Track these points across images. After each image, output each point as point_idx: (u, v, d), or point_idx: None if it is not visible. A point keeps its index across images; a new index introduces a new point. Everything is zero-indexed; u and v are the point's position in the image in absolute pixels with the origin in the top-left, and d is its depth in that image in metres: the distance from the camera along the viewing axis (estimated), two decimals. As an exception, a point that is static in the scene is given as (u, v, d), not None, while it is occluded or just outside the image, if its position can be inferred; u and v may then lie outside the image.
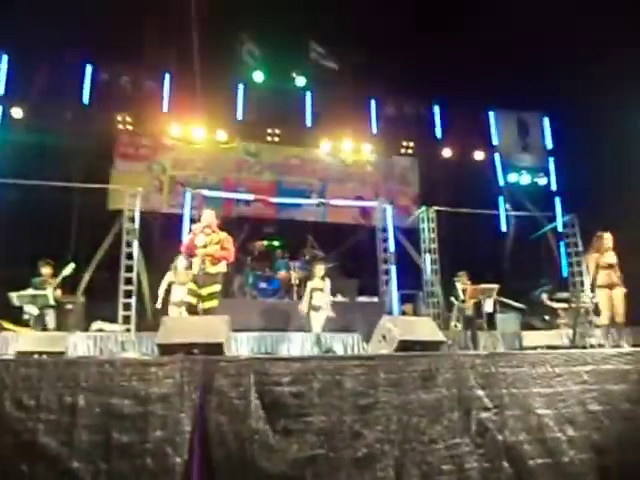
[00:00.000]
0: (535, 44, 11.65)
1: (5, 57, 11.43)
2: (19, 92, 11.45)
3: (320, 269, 8.18)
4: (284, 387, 3.44)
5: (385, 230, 10.55)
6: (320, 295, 7.96)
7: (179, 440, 3.19)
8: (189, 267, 6.52)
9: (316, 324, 7.90)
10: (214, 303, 5.82)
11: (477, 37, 12.13)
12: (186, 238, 6.06)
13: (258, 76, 12.98)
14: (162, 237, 11.38)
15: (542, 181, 14.08)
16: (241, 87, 13.07)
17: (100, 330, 8.75)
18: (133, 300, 8.44)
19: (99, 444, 3.13)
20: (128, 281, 8.53)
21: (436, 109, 14.13)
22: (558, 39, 11.26)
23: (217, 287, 5.89)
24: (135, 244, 8.74)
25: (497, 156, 14.24)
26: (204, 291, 5.80)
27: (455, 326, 8.96)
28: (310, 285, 8.07)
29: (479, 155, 14.16)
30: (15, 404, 3.14)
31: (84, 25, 10.36)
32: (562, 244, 12.02)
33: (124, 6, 10.92)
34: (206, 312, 5.74)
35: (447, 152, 14.02)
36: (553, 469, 3.78)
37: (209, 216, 6.09)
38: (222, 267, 5.97)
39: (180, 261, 8.10)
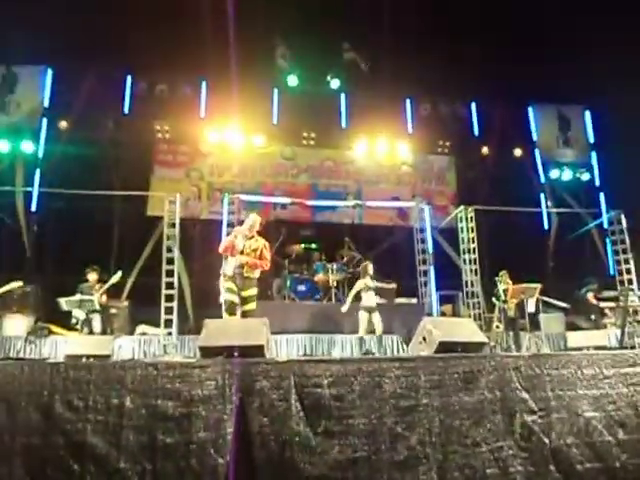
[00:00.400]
0: (574, 35, 11.34)
1: (50, 71, 11.88)
2: (63, 105, 11.89)
3: (372, 268, 8.17)
4: (324, 389, 3.44)
5: (423, 230, 10.44)
6: (372, 295, 7.94)
7: (221, 442, 3.24)
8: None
9: (364, 325, 7.87)
10: (252, 306, 5.87)
11: (512, 30, 11.89)
12: (226, 239, 6.06)
13: (292, 80, 13.07)
14: (202, 243, 11.57)
15: (585, 176, 13.65)
16: (276, 91, 13.20)
17: (143, 334, 8.97)
18: (175, 304, 8.63)
19: (145, 445, 3.20)
20: (169, 286, 8.73)
21: (473, 106, 13.90)
22: (599, 28, 10.92)
23: (254, 290, 5.94)
24: (176, 250, 8.93)
25: (537, 152, 13.88)
26: (243, 294, 5.86)
27: (497, 327, 8.78)
28: (362, 284, 8.05)
29: (518, 152, 13.85)
30: (66, 405, 3.26)
31: (122, 37, 10.66)
32: (608, 241, 11.63)
33: (158, 16, 11.21)
34: (244, 315, 5.79)
35: (485, 150, 13.78)
36: (604, 474, 3.65)
37: (253, 220, 6.10)
38: (257, 272, 6.03)
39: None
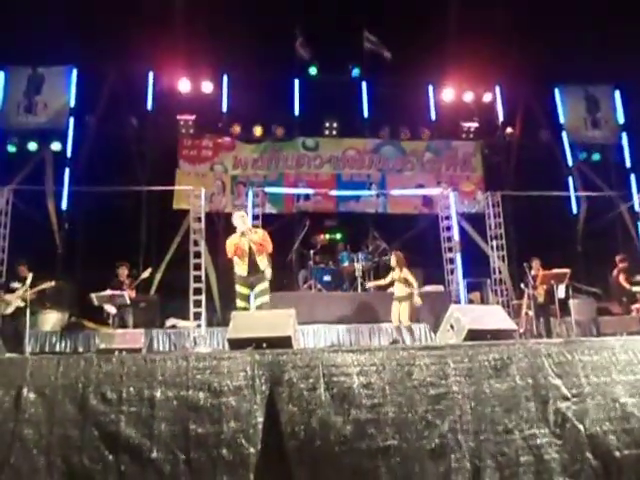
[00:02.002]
0: (600, 14, 11.01)
1: (75, 71, 12.05)
2: (88, 104, 12.06)
3: (395, 259, 8.03)
4: (353, 378, 3.43)
5: (448, 218, 10.31)
6: (401, 286, 7.82)
7: (252, 431, 3.27)
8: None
9: (395, 316, 7.80)
10: (266, 299, 6.01)
11: (535, 11, 11.60)
12: (229, 244, 6.15)
13: (313, 70, 13.03)
14: (227, 236, 11.63)
15: (615, 158, 13.25)
16: (297, 82, 13.18)
17: (173, 327, 9.11)
18: (203, 297, 8.73)
19: (177, 435, 3.25)
20: (197, 279, 8.84)
21: (497, 90, 13.63)
22: (625, 6, 10.58)
23: (266, 284, 6.09)
24: (202, 243, 9.03)
25: (565, 134, 13.54)
26: (257, 289, 5.99)
27: (526, 314, 8.64)
28: (393, 275, 7.96)
29: (545, 135, 13.54)
30: (100, 398, 3.33)
31: (142, 34, 10.75)
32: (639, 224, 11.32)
33: (178, 12, 11.30)
34: (258, 309, 5.89)
35: (511, 134, 13.53)
36: (645, 460, 3.57)
37: (240, 217, 6.25)
38: (266, 264, 6.09)
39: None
